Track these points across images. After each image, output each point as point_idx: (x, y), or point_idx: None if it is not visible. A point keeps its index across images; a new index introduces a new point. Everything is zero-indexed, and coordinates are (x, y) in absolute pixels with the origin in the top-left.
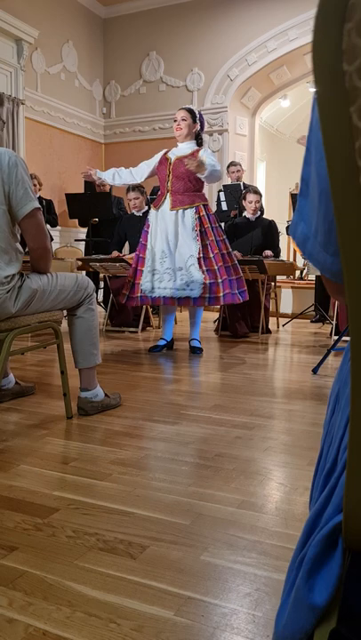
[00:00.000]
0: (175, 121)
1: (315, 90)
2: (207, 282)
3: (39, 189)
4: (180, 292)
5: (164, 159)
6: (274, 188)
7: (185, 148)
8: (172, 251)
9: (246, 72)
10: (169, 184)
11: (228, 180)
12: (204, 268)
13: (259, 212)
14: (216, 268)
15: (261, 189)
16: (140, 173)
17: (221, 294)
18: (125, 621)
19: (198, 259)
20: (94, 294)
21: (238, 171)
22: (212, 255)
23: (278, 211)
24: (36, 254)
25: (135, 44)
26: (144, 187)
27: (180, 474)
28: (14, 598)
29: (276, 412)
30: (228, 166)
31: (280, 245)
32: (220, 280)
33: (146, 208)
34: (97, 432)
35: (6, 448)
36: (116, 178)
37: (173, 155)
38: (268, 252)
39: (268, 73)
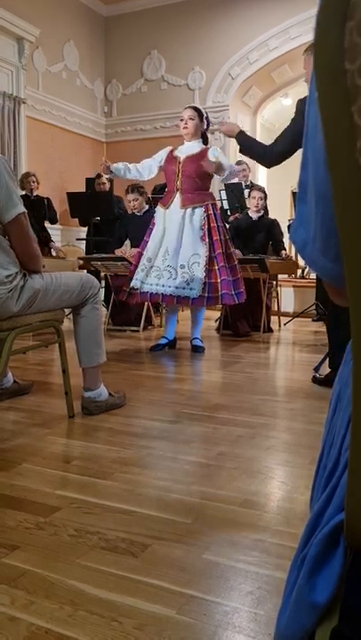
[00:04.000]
0: (182, 120)
1: (315, 90)
2: (206, 281)
3: (37, 187)
4: (179, 290)
5: (172, 158)
6: (275, 186)
7: (192, 146)
8: (176, 249)
9: (248, 70)
10: (178, 183)
11: (235, 179)
12: (207, 267)
13: (262, 212)
14: (217, 267)
15: None
16: (147, 171)
17: (219, 294)
18: (127, 620)
19: (205, 257)
20: (99, 294)
21: (245, 170)
22: (214, 255)
23: (280, 209)
24: (23, 258)
25: (136, 42)
26: (143, 187)
27: (181, 473)
28: (16, 597)
29: (277, 411)
30: (236, 164)
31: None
32: (219, 280)
33: (146, 207)
34: (98, 431)
35: (8, 447)
36: (126, 173)
37: (182, 154)
38: (284, 253)
39: (270, 71)
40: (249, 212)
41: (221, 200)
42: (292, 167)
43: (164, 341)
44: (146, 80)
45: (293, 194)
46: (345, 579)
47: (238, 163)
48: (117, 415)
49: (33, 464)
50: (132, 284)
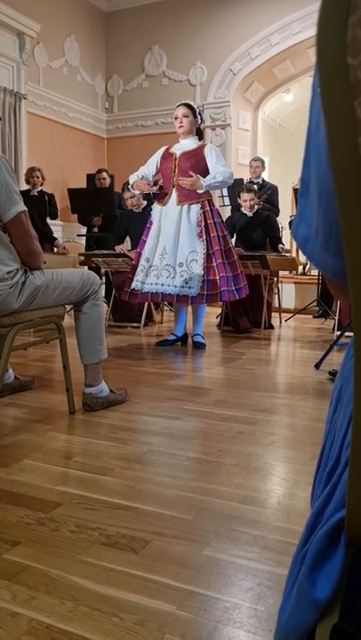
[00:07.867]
0: (176, 118)
1: (318, 85)
2: (205, 278)
3: (41, 183)
4: (178, 289)
5: (168, 155)
6: (277, 182)
7: (189, 143)
8: (173, 247)
9: (249, 66)
10: (175, 179)
11: (248, 174)
12: (205, 265)
13: (256, 208)
14: (215, 265)
15: None
16: (148, 180)
17: (218, 291)
18: (128, 615)
19: (203, 255)
20: (100, 290)
21: (258, 167)
22: (212, 251)
23: (281, 205)
24: (23, 255)
25: (138, 37)
26: None
27: (182, 469)
28: (17, 592)
29: (278, 408)
30: (251, 160)
31: (283, 240)
32: (217, 277)
33: (144, 203)
34: (99, 427)
35: (9, 443)
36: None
37: (178, 150)
38: (282, 247)
39: (271, 67)
40: (243, 209)
41: (223, 197)
42: (293, 164)
43: (171, 338)
44: (147, 76)
45: (295, 190)
46: (346, 575)
47: (255, 159)
48: (118, 411)
49: (34, 460)
50: (132, 286)
